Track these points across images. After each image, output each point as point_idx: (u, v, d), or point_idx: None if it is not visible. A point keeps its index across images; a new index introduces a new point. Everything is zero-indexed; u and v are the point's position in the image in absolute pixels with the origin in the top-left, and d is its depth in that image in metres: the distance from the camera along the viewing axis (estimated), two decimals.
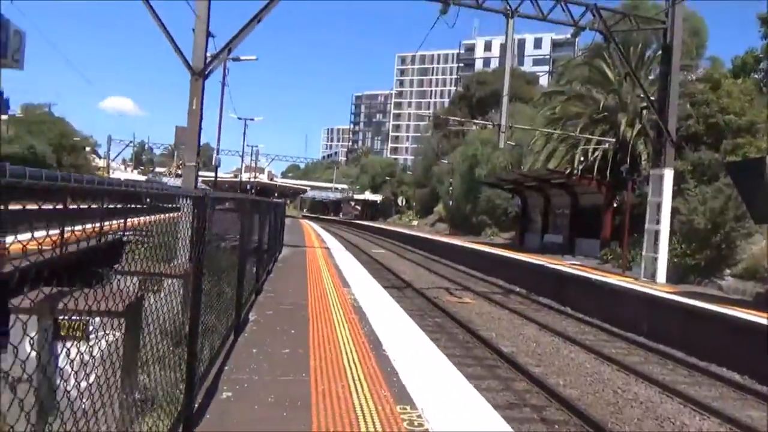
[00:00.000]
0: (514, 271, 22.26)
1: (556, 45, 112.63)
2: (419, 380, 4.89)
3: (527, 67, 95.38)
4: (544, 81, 72.38)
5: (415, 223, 73.32)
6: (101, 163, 75.07)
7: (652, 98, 18.27)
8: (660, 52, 19.67)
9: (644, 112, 24.78)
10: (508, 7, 15.87)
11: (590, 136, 26.08)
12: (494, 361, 10.28)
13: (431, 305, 15.71)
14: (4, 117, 56.91)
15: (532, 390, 8.63)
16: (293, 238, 24.45)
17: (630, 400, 8.45)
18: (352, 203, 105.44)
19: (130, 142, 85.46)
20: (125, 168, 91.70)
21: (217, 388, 4.45)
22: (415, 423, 3.87)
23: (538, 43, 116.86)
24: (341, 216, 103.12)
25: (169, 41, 13.69)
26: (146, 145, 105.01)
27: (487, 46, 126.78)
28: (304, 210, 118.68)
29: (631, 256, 20.39)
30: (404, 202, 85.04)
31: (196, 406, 3.90)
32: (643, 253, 17.42)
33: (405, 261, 29.75)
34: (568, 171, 27.13)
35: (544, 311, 16.33)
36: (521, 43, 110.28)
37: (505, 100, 16.17)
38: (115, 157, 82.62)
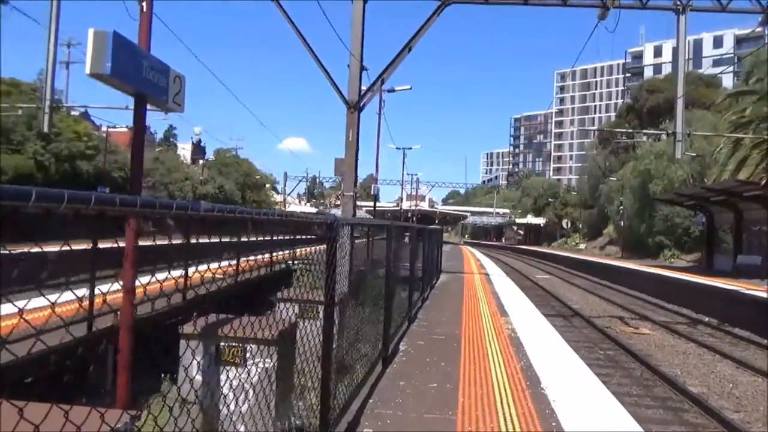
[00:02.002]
0: (702, 298, 19.60)
1: (740, 41, 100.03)
2: (580, 426, 4.26)
3: (706, 69, 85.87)
4: (727, 82, 64.57)
5: (582, 246, 69.09)
6: (279, 198, 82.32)
7: None
8: None
9: None
10: (679, 2, 14.25)
11: None
12: (680, 402, 8.93)
13: (602, 336, 14.33)
14: (201, 162, 65.21)
15: None
16: (452, 265, 24.21)
17: None
18: (514, 228, 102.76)
19: (303, 177, 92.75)
20: (299, 202, 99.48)
21: (359, 423, 4.27)
22: None
23: (718, 42, 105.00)
24: (503, 241, 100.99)
25: (328, 79, 14.49)
26: (317, 180, 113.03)
27: (657, 52, 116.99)
28: (465, 236, 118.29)
29: None
30: (570, 225, 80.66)
31: None
32: None
33: (572, 287, 27.88)
34: (765, 181, 23.45)
35: (741, 345, 14.02)
36: (697, 44, 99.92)
37: (679, 102, 14.41)
38: (290, 192, 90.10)
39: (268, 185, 79.91)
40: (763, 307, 15.65)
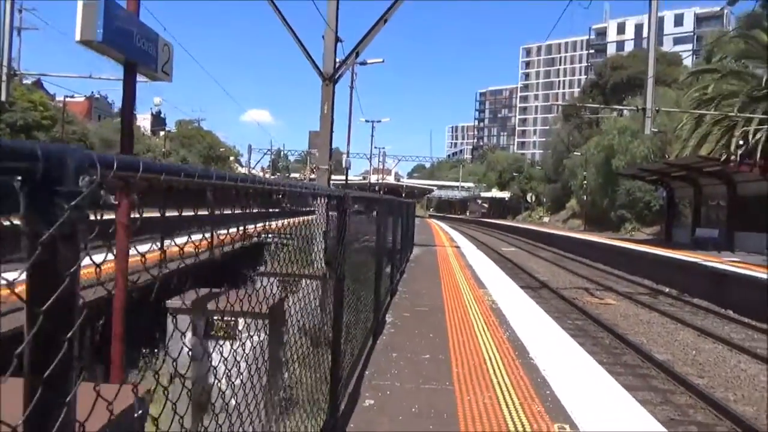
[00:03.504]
0: (662, 269, 20.35)
1: (700, 20, 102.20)
2: (574, 393, 4.42)
3: (667, 47, 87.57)
4: (687, 61, 66.01)
5: (546, 219, 70.56)
6: (243, 171, 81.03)
7: None
8: None
9: None
10: None
11: (751, 115, 23.05)
12: (647, 369, 9.33)
13: (570, 306, 14.78)
14: (162, 133, 63.51)
15: (696, 405, 7.66)
16: (423, 238, 24.41)
17: None
18: (479, 201, 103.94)
19: (268, 150, 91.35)
20: (264, 174, 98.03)
21: (360, 394, 4.34)
22: None
23: (678, 20, 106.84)
24: (468, 214, 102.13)
25: (303, 51, 14.20)
26: (282, 152, 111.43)
27: (621, 29, 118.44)
28: (431, 209, 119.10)
29: None
30: (534, 199, 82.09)
31: (339, 414, 3.80)
32: None
33: (538, 259, 28.53)
34: (724, 157, 24.28)
35: (701, 314, 14.68)
36: (659, 22, 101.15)
37: (650, 81, 14.69)
38: (255, 165, 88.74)
39: (232, 158, 78.58)
40: (720, 277, 16.36)
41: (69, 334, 0.81)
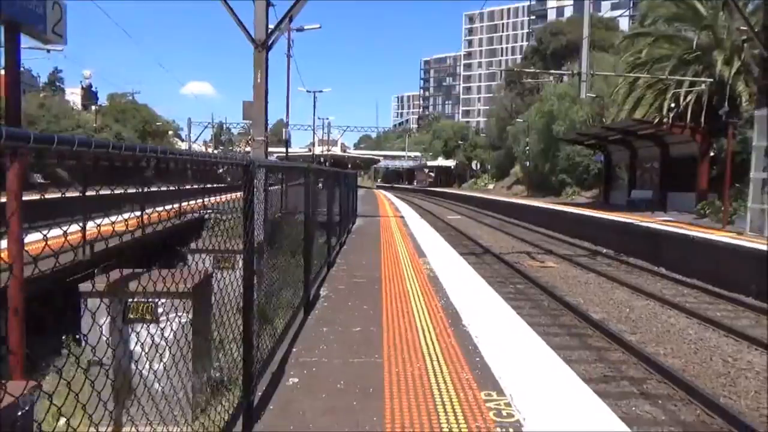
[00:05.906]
0: (600, 231, 20.98)
1: None
2: (505, 360, 4.37)
3: (605, 12, 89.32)
4: (624, 26, 67.62)
5: (491, 186, 71.74)
6: (183, 145, 78.22)
7: (756, 29, 16.24)
8: None
9: (745, 46, 22.20)
10: None
11: (682, 78, 23.77)
12: (584, 329, 9.55)
13: (512, 270, 15.01)
14: (93, 108, 60.27)
15: (628, 361, 7.88)
16: (367, 209, 24.25)
17: (743, 370, 7.54)
18: (426, 170, 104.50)
19: (209, 123, 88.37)
20: (206, 148, 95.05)
21: (284, 373, 4.14)
22: (504, 413, 3.37)
23: None
24: (415, 184, 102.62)
25: (231, 15, 13.50)
26: (224, 126, 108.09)
27: None
28: (378, 180, 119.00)
29: (732, 209, 18.60)
30: (479, 166, 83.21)
31: (260, 394, 3.60)
32: (749, 204, 15.76)
33: (482, 226, 28.94)
34: (657, 120, 25.03)
35: (635, 273, 15.20)
36: None
37: (585, 43, 14.80)
38: (196, 139, 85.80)
39: (170, 132, 75.68)
40: (653, 236, 16.97)
41: None
